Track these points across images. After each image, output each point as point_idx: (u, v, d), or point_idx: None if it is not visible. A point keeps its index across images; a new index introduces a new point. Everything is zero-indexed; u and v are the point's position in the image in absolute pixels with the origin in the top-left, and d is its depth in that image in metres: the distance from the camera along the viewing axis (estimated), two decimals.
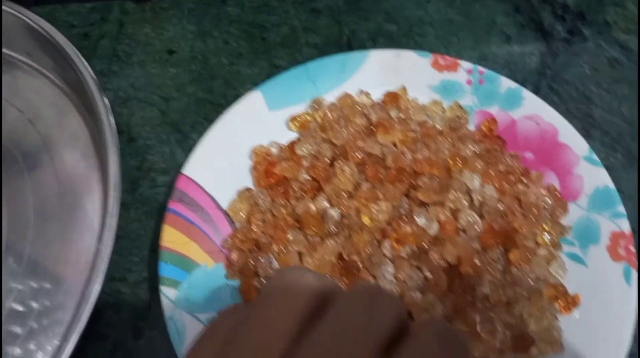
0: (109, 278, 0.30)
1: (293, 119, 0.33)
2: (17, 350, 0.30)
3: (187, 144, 0.36)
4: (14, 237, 0.33)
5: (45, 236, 0.33)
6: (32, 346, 0.30)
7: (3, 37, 0.38)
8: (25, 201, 0.34)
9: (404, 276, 0.28)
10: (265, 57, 0.39)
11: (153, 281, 0.32)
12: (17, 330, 0.30)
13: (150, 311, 0.31)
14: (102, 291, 0.28)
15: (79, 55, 0.34)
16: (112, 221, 0.29)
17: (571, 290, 0.29)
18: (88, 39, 0.40)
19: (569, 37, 0.40)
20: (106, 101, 0.32)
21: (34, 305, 0.31)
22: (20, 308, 0.31)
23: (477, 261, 0.28)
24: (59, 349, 0.27)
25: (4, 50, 0.39)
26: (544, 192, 0.31)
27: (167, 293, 0.28)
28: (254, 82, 0.38)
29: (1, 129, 0.36)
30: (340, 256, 0.29)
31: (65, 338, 0.27)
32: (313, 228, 0.29)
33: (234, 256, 0.30)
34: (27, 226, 0.34)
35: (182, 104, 0.37)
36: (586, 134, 0.35)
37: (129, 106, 0.37)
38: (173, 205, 0.30)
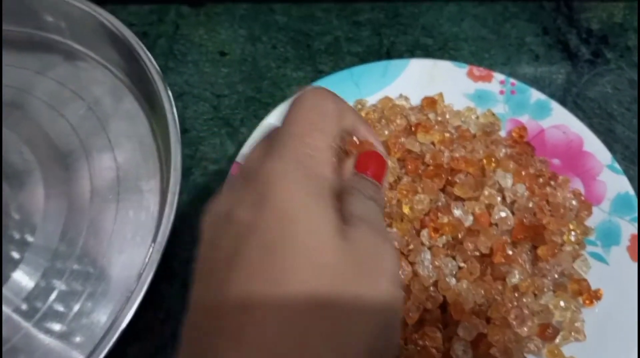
0: (163, 255, 0.32)
1: None
2: (76, 307, 0.32)
3: (236, 138, 0.38)
4: (71, 218, 0.36)
5: (102, 214, 0.35)
6: (89, 305, 0.32)
7: (71, 29, 0.41)
8: (83, 184, 0.37)
9: (439, 263, 0.30)
10: (310, 63, 0.42)
11: None
12: (79, 287, 0.32)
13: None
14: (157, 266, 0.30)
15: (145, 49, 0.37)
16: (174, 198, 0.31)
17: (593, 285, 0.31)
18: (147, 38, 0.43)
19: (593, 59, 0.43)
20: (169, 91, 0.35)
21: (91, 270, 0.33)
22: (90, 269, 0.33)
23: (509, 252, 0.30)
24: (121, 313, 0.29)
25: (69, 42, 0.42)
26: (569, 195, 0.33)
27: None
28: (299, 85, 0.41)
29: (1, 128, 0.38)
30: None
31: (126, 304, 0.29)
32: None
33: None
34: (83, 208, 0.36)
35: (233, 101, 0.40)
36: (608, 148, 0.37)
37: (184, 100, 0.40)
38: None
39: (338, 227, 0.19)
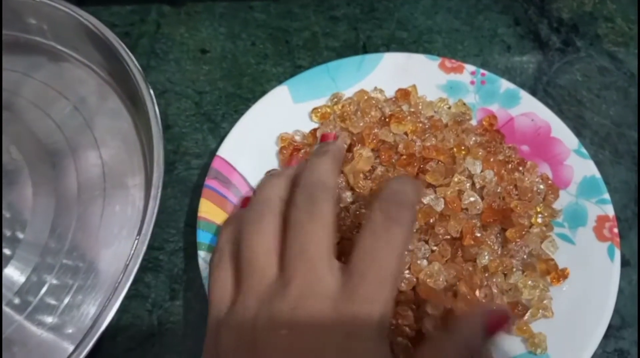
0: (149, 248, 0.33)
1: (314, 110, 0.37)
2: (67, 300, 0.33)
3: (218, 132, 0.40)
4: (60, 214, 0.37)
5: (89, 210, 0.37)
6: (79, 297, 0.33)
7: (53, 31, 0.42)
8: (70, 181, 0.38)
9: (413, 247, 0.32)
10: (289, 59, 0.43)
11: (188, 251, 0.35)
12: (69, 281, 0.34)
13: (185, 275, 0.34)
14: (143, 259, 0.31)
15: (126, 49, 0.38)
16: (157, 193, 0.33)
17: (561, 265, 0.33)
18: (129, 38, 0.44)
19: (564, 48, 0.45)
20: (151, 90, 0.36)
21: (80, 264, 0.35)
22: (79, 263, 0.34)
23: (477, 235, 0.32)
24: (108, 304, 0.30)
25: (52, 43, 0.43)
26: (537, 179, 0.35)
27: (204, 256, 0.32)
28: (279, 80, 0.42)
29: (1, 130, 0.39)
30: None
31: (113, 294, 0.30)
32: None
33: None
34: (71, 204, 0.37)
35: (214, 97, 0.41)
36: (577, 133, 0.39)
37: (166, 98, 0.41)
38: (209, 182, 0.34)
39: None
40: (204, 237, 0.32)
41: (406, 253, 0.32)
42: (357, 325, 0.22)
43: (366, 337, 0.22)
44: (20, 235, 0.35)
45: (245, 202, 0.33)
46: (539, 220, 0.33)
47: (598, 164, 0.36)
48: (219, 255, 0.28)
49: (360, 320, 0.22)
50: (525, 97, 0.38)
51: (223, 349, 0.24)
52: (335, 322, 0.23)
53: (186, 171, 0.38)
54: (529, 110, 0.37)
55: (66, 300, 0.34)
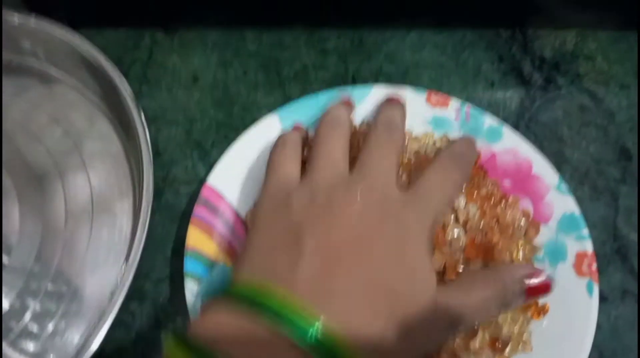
0: (135, 275, 0.34)
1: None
2: (50, 327, 0.33)
3: (207, 160, 0.40)
4: (46, 239, 0.37)
5: (76, 236, 0.37)
6: (63, 324, 0.33)
7: (47, 55, 0.42)
8: (58, 205, 0.38)
9: None
10: (280, 89, 0.44)
11: (173, 279, 0.35)
12: (53, 307, 0.34)
13: (171, 305, 0.35)
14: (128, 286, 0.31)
15: (119, 74, 0.39)
16: (145, 221, 0.33)
17: (541, 300, 0.33)
18: (121, 63, 0.44)
19: (545, 85, 0.46)
20: (142, 116, 0.37)
21: (65, 290, 0.35)
22: (64, 289, 0.34)
23: (459, 270, 0.32)
24: (93, 332, 0.30)
25: (45, 66, 0.43)
26: (519, 215, 0.36)
27: (190, 287, 0.32)
28: (269, 110, 0.42)
29: (1, 137, 0.40)
30: None
31: (98, 324, 0.31)
32: None
33: None
34: (58, 229, 0.37)
35: (205, 125, 0.42)
36: (558, 169, 0.40)
37: (157, 125, 0.42)
38: (198, 210, 0.34)
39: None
40: (191, 267, 0.33)
41: None
42: (415, 220, 0.29)
43: (418, 231, 0.29)
44: (5, 261, 0.35)
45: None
46: (520, 256, 0.34)
47: (578, 199, 0.37)
48: (286, 141, 0.34)
49: (418, 218, 0.29)
50: (508, 133, 0.39)
51: (295, 208, 0.28)
52: (399, 213, 0.29)
53: (174, 198, 0.39)
54: (511, 146, 0.38)
55: (50, 327, 0.34)
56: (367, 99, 0.40)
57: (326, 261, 0.26)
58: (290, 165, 0.32)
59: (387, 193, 0.29)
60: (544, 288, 0.30)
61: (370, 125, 0.37)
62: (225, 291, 0.26)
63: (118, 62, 0.44)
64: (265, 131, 0.38)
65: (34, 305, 0.34)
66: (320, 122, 0.34)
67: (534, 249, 0.35)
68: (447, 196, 0.31)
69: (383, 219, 0.28)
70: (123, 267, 0.32)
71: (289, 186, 0.31)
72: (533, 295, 0.30)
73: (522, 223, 0.35)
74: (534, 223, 0.36)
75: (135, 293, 0.35)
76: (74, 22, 0.45)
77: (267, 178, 0.33)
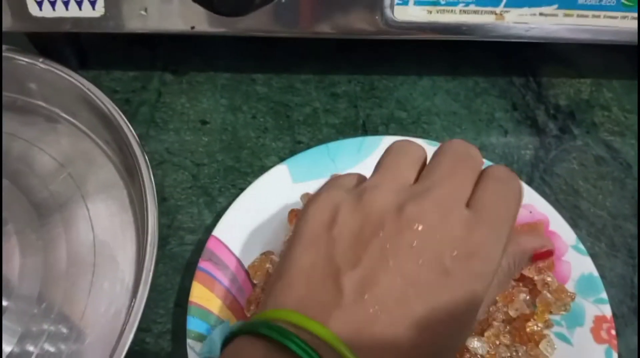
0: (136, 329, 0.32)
1: (304, 195, 0.36)
2: None
3: (214, 207, 0.39)
4: (47, 284, 0.36)
5: (77, 285, 0.36)
6: None
7: (52, 97, 0.42)
8: (60, 252, 0.37)
9: None
10: (289, 133, 0.43)
11: (176, 333, 0.34)
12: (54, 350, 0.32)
13: None
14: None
15: (124, 118, 0.38)
16: (148, 276, 0.32)
17: None
18: (129, 105, 0.44)
19: (560, 135, 0.45)
20: (148, 161, 0.36)
21: (63, 347, 0.33)
22: (62, 346, 0.33)
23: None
24: None
25: (50, 107, 0.43)
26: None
27: (193, 346, 0.31)
28: (278, 155, 0.42)
29: (1, 147, 0.39)
30: None
31: None
32: None
33: (248, 315, 0.33)
34: (59, 274, 0.36)
35: (212, 170, 0.41)
36: (573, 224, 0.39)
37: (163, 169, 0.41)
38: (202, 264, 0.33)
39: None
40: (194, 324, 0.31)
41: None
42: (481, 246, 0.24)
43: (485, 257, 0.24)
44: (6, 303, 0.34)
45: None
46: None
47: (594, 256, 0.36)
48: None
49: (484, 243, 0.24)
50: (524, 188, 0.38)
51: (338, 228, 0.23)
52: (465, 237, 0.23)
53: (179, 247, 0.38)
54: (528, 202, 0.37)
55: None
56: (377, 150, 0.39)
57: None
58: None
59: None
60: (548, 254, 0.31)
61: None
62: (254, 325, 0.22)
63: (126, 104, 0.44)
64: (274, 181, 0.37)
65: (34, 350, 0.33)
66: (387, 150, 0.29)
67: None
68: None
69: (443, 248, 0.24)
70: (125, 324, 0.31)
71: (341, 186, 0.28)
72: (537, 259, 0.31)
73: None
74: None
75: (135, 348, 0.34)
76: (83, 63, 0.45)
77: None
